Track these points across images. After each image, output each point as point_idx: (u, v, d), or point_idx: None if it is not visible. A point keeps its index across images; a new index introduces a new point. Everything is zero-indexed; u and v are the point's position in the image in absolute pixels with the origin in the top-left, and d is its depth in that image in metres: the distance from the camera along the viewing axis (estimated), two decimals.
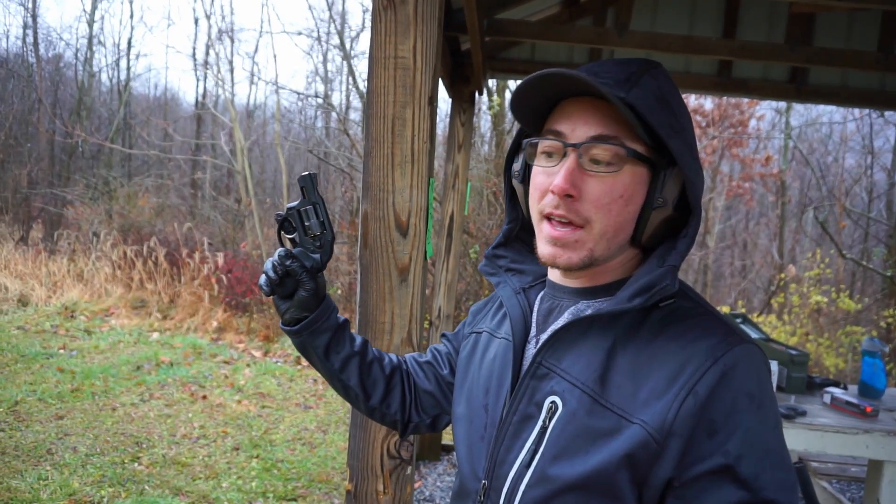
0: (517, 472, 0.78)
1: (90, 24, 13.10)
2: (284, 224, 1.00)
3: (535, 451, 0.76)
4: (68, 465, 3.59)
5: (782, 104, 10.89)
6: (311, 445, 4.29)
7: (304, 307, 0.97)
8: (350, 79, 12.08)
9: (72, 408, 4.47)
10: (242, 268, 7.70)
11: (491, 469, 0.82)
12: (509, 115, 8.70)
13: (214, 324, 6.98)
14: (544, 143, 0.79)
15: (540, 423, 0.77)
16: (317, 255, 0.98)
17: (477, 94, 4.06)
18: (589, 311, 0.79)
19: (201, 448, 4.05)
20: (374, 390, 1.05)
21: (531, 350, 0.85)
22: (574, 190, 0.75)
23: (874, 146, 11.49)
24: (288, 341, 6.75)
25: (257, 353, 6.37)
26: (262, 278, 0.97)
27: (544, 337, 0.84)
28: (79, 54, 13.47)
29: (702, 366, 0.69)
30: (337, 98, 12.86)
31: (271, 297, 0.99)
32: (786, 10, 3.73)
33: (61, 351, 5.79)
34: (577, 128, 0.76)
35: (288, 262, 0.95)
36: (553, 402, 0.76)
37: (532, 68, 4.21)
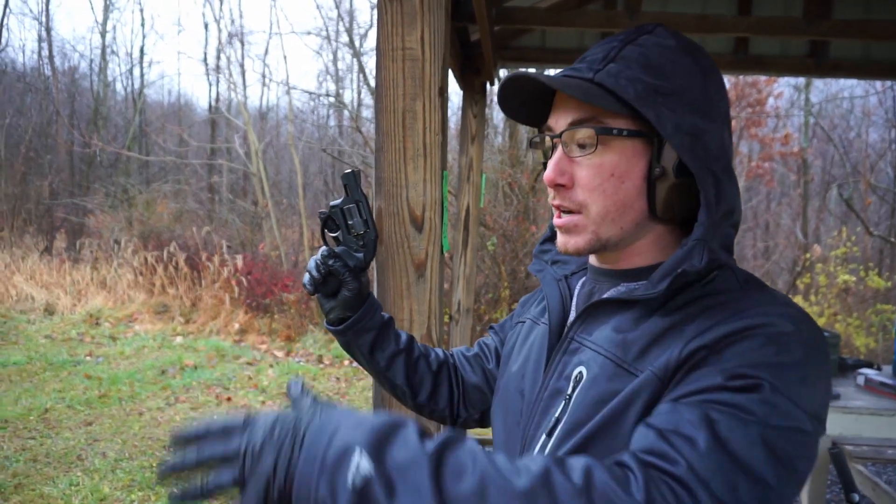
0: (541, 445, 0.77)
1: (103, 34, 13.25)
2: (328, 222, 0.99)
3: (559, 421, 0.75)
4: (98, 471, 3.63)
5: (800, 81, 10.67)
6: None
7: (348, 307, 0.98)
8: (361, 76, 12.08)
9: (100, 413, 4.53)
10: (262, 269, 7.74)
11: (522, 451, 0.80)
12: None
13: (236, 326, 7.03)
14: (539, 140, 0.82)
15: (566, 394, 0.76)
16: (360, 254, 0.97)
17: (488, 85, 4.01)
18: (621, 296, 0.77)
19: None
20: (422, 387, 1.04)
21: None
22: (563, 178, 0.77)
23: None
24: (310, 340, 6.78)
25: (280, 354, 6.41)
26: (306, 277, 0.98)
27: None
28: (93, 65, 13.64)
29: (725, 318, 0.65)
30: (348, 96, 12.88)
31: (315, 295, 0.99)
32: None
33: (88, 358, 5.87)
34: (560, 118, 0.78)
35: (331, 262, 0.95)
36: (580, 372, 0.75)
37: (543, 56, 4.15)
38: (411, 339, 1.05)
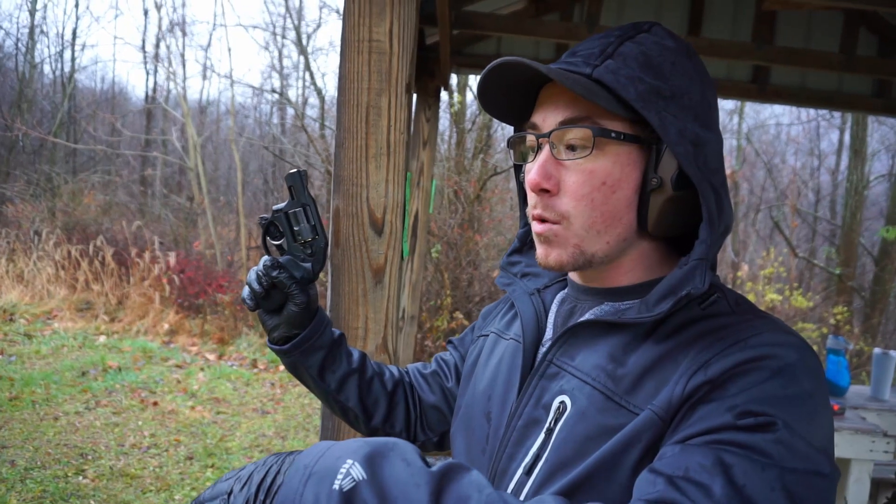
0: (517, 483, 0.69)
1: (32, 12, 12.50)
2: (270, 229, 0.88)
3: (539, 457, 0.67)
4: (6, 481, 3.34)
5: (733, 105, 11.14)
6: (270, 453, 4.12)
7: (294, 323, 0.87)
8: (307, 74, 11.84)
9: (10, 418, 4.18)
10: (195, 268, 7.42)
11: (493, 483, 0.72)
12: (469, 112, 8.65)
13: (166, 326, 6.69)
14: (520, 139, 0.74)
15: (546, 426, 0.68)
16: (308, 264, 0.87)
17: (443, 90, 3.96)
18: (610, 318, 0.70)
19: (152, 458, 3.84)
20: (376, 409, 0.95)
21: (542, 352, 0.76)
22: (549, 183, 0.69)
23: (821, 148, 11.91)
24: (244, 343, 6.53)
25: (211, 357, 6.13)
26: (246, 291, 0.87)
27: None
28: (20, 44, 12.82)
29: (725, 348, 0.60)
30: (293, 94, 12.59)
31: (256, 311, 0.88)
32: (751, 8, 3.74)
33: None
34: (548, 116, 0.70)
35: (275, 273, 0.84)
36: (562, 403, 0.68)
37: None
38: (364, 356, 0.96)
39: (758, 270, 8.17)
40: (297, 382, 5.61)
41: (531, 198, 0.71)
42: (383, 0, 1.37)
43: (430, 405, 0.99)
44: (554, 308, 0.81)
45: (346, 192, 1.38)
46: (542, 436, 0.68)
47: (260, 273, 0.85)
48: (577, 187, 0.68)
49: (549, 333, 0.79)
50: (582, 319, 0.71)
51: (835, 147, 11.82)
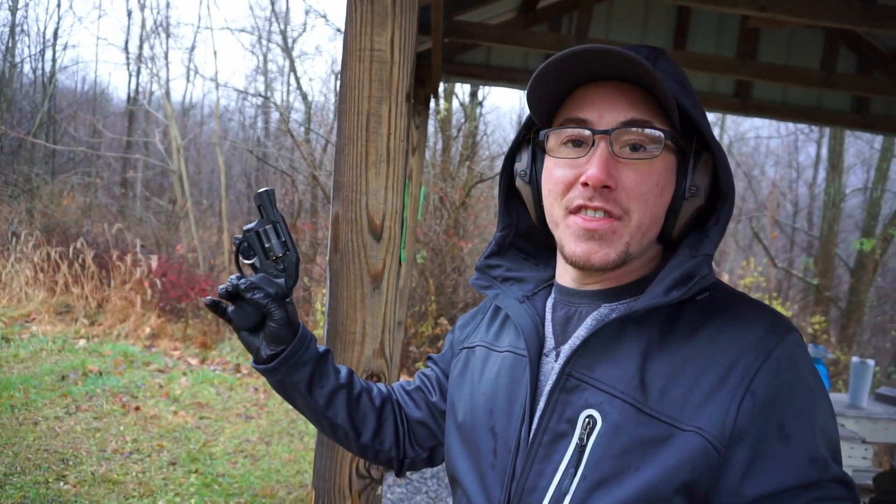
0: (552, 501, 0.69)
1: (13, 10, 12.33)
2: (242, 248, 0.89)
3: (574, 475, 0.68)
4: None
5: (713, 117, 11.32)
6: (254, 458, 4.09)
7: (277, 339, 0.87)
8: (292, 77, 11.81)
9: None
10: (177, 271, 7.35)
11: (516, 499, 0.72)
12: (455, 120, 8.69)
13: (147, 330, 6.62)
14: (568, 132, 0.72)
15: (575, 440, 0.69)
16: (281, 280, 0.88)
17: (432, 97, 3.99)
18: (615, 315, 0.72)
19: (134, 464, 3.79)
20: (365, 426, 0.95)
21: (550, 363, 0.76)
22: (611, 180, 0.69)
23: (799, 161, 12.14)
24: (227, 348, 6.48)
25: (194, 361, 6.08)
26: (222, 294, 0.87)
27: (567, 347, 0.76)
28: None
29: (754, 361, 0.64)
30: (279, 98, 12.55)
31: (239, 333, 0.88)
32: (735, 25, 3.83)
33: None
34: (605, 114, 0.70)
35: (249, 295, 0.83)
36: (590, 417, 0.68)
37: (487, 73, 4.18)
38: (351, 373, 0.97)
39: (737, 280, 8.30)
40: None
41: (581, 190, 0.70)
42: (385, 10, 1.39)
43: (416, 421, 0.99)
44: (548, 316, 0.81)
45: (345, 198, 1.40)
46: (571, 451, 0.68)
47: (228, 288, 0.85)
48: (636, 185, 0.69)
49: (549, 343, 0.78)
50: (596, 328, 0.71)
51: (812, 160, 12.07)
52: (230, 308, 0.87)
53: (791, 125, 10.92)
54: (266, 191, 0.89)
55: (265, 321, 0.86)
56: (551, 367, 0.76)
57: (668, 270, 0.70)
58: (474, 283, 0.89)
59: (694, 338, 0.67)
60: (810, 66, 3.77)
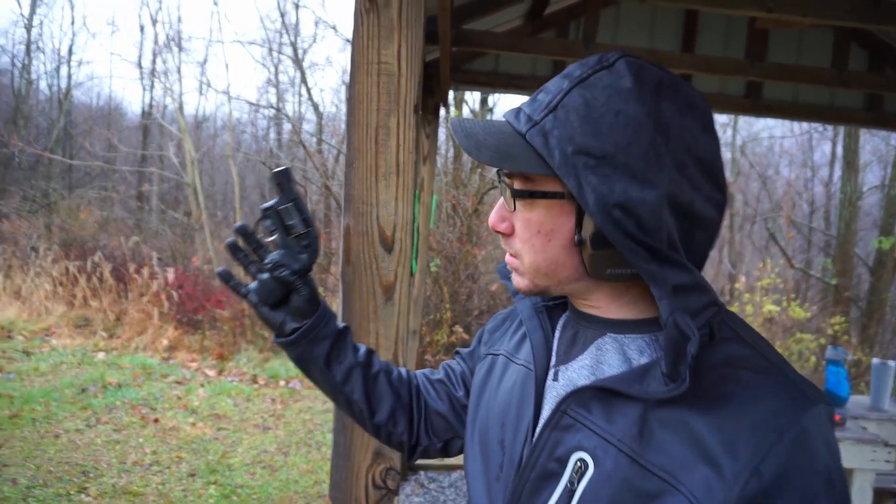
0: None
1: (28, 28, 12.58)
2: (265, 225, 0.91)
3: None
4: (8, 500, 3.33)
5: (726, 119, 11.26)
6: (272, 469, 4.11)
7: (301, 313, 0.90)
8: (304, 88, 11.91)
9: (10, 436, 4.17)
10: (194, 283, 7.42)
11: None
12: None
13: (165, 342, 6.68)
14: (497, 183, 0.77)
15: (564, 483, 0.67)
16: (304, 255, 0.90)
17: (442, 106, 4.01)
18: (622, 388, 0.66)
19: (154, 475, 3.83)
20: (380, 406, 0.96)
21: (550, 382, 0.76)
22: (503, 226, 0.74)
23: (814, 160, 12.02)
24: (244, 359, 6.53)
25: (211, 373, 6.12)
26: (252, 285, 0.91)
27: (566, 372, 0.74)
28: (15, 60, 12.89)
29: (764, 439, 0.58)
30: (290, 109, 12.66)
31: (259, 311, 0.91)
32: (743, 26, 3.81)
33: None
34: None
35: (277, 272, 0.87)
36: (581, 461, 0.66)
37: (495, 80, 4.20)
38: (370, 352, 0.98)
39: (755, 282, 8.22)
40: (298, 398, 5.61)
41: None
42: (391, 23, 1.40)
43: (436, 412, 0.99)
44: (557, 333, 0.80)
45: (356, 210, 1.42)
46: (559, 493, 0.67)
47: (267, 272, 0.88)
48: (520, 232, 0.72)
49: (553, 359, 0.77)
50: (599, 384, 0.67)
51: (827, 158, 11.95)
52: (252, 285, 0.90)
53: (805, 124, 10.82)
54: (283, 169, 0.90)
55: (288, 296, 0.89)
56: (551, 388, 0.75)
57: (666, 351, 0.62)
58: (499, 270, 0.87)
59: (706, 394, 0.62)
60: (821, 64, 3.74)
